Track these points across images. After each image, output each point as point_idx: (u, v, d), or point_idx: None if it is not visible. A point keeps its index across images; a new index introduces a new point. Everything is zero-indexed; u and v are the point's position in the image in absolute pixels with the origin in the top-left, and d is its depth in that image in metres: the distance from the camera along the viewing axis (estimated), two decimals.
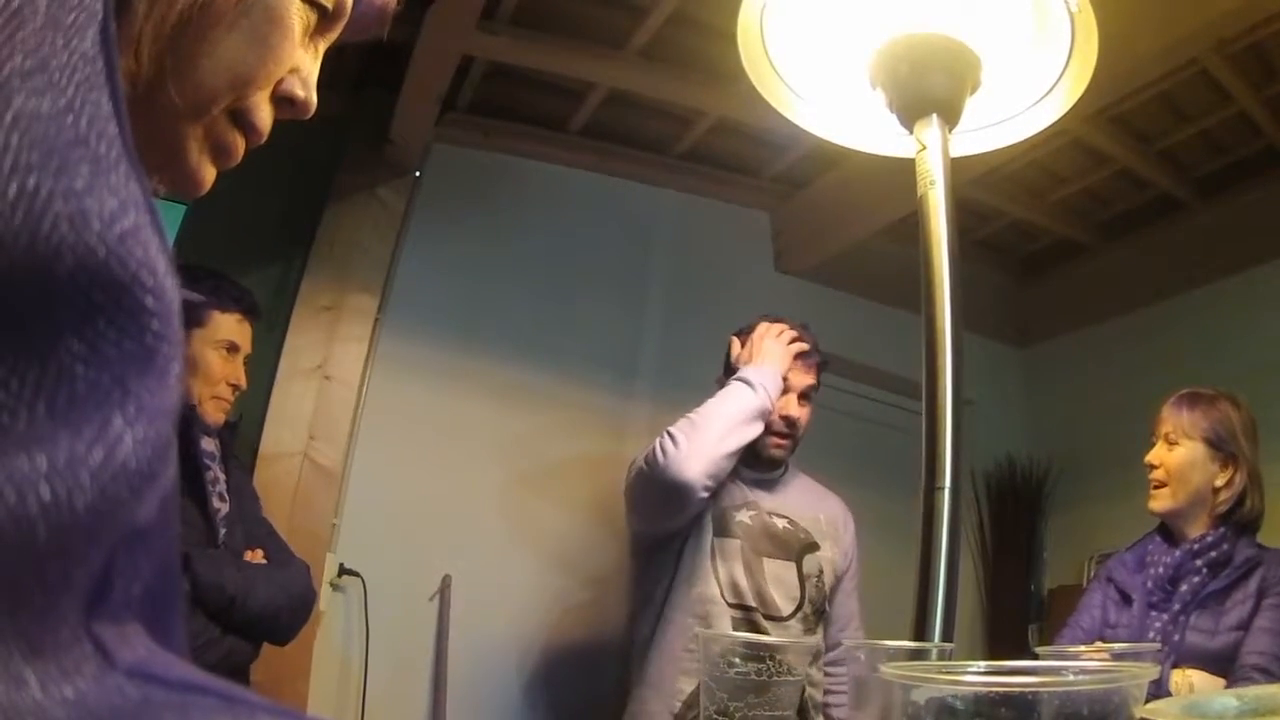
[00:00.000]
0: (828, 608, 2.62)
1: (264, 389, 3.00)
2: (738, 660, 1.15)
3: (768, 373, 2.50)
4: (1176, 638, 2.14)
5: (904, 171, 1.32)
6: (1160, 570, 2.26)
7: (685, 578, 2.50)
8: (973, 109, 1.32)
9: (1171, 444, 2.32)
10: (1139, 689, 0.62)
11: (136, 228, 0.29)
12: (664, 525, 2.52)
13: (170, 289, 0.30)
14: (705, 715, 1.15)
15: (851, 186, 3.72)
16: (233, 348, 2.26)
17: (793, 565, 2.54)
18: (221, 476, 2.21)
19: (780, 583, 2.51)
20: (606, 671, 3.25)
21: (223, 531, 2.13)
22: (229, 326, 2.25)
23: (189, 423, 2.12)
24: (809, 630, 2.51)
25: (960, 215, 1.32)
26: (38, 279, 0.26)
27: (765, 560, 2.51)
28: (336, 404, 3.21)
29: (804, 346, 2.60)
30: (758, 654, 1.16)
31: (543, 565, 3.43)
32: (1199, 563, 2.21)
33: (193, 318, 2.16)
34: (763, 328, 2.61)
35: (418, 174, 3.57)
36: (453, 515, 3.34)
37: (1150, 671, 0.62)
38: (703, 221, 4.06)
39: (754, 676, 1.14)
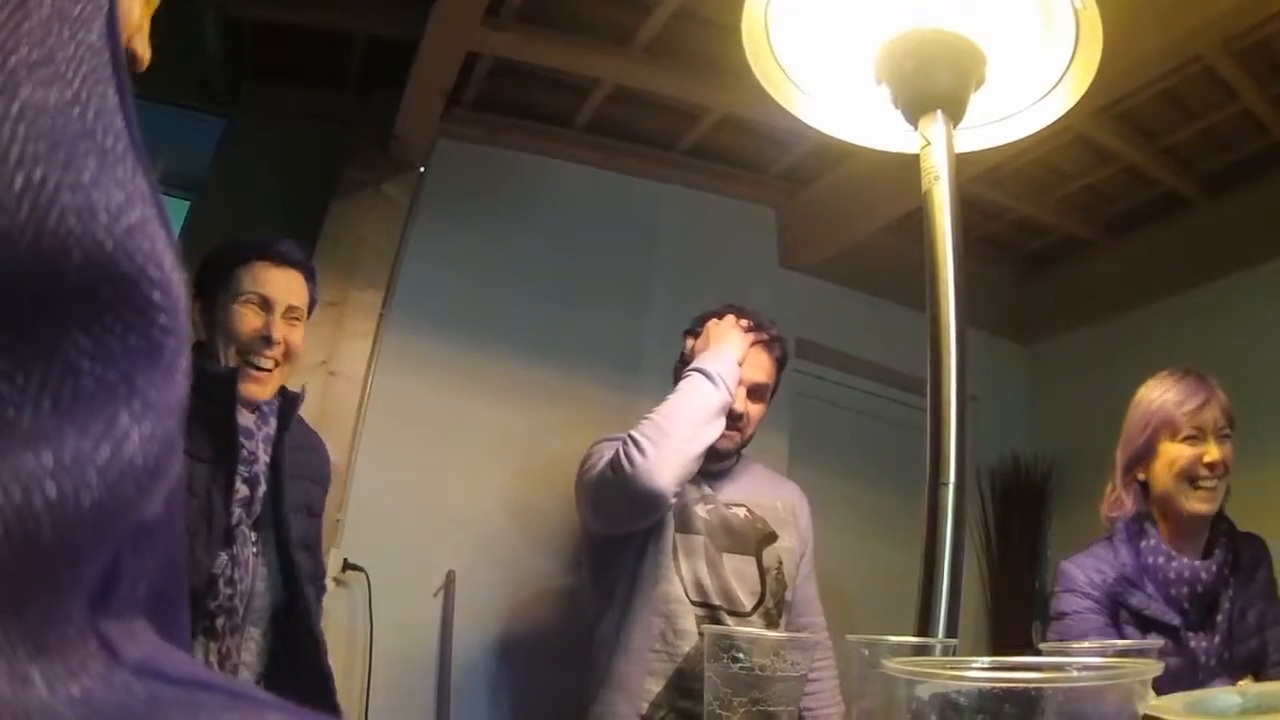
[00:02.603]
0: (788, 597, 2.53)
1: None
2: (741, 655, 1.15)
3: (725, 361, 2.40)
4: (1228, 656, 2.02)
5: (909, 167, 1.32)
6: (1195, 589, 2.06)
7: (648, 576, 2.43)
8: (977, 105, 1.32)
9: (1224, 439, 2.15)
10: (1143, 685, 0.62)
11: (143, 221, 0.29)
12: (631, 528, 2.43)
13: (177, 283, 0.30)
14: (708, 710, 1.15)
15: (856, 182, 3.72)
16: (264, 302, 2.01)
17: (752, 559, 2.48)
18: (264, 456, 2.00)
19: (742, 577, 2.45)
20: None
21: (236, 513, 1.92)
22: (253, 276, 2.01)
23: (227, 393, 1.91)
24: (771, 624, 2.44)
25: (965, 211, 1.32)
26: (44, 273, 0.26)
27: (725, 555, 2.45)
28: (341, 399, 3.22)
29: (760, 335, 2.51)
30: (762, 650, 1.16)
31: (547, 561, 3.43)
32: (1227, 571, 2.08)
33: (218, 283, 1.99)
34: (715, 319, 2.54)
35: (423, 170, 3.57)
36: (457, 511, 3.35)
37: (1154, 668, 0.62)
38: (708, 217, 4.06)
39: (758, 672, 1.14)
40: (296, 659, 2.02)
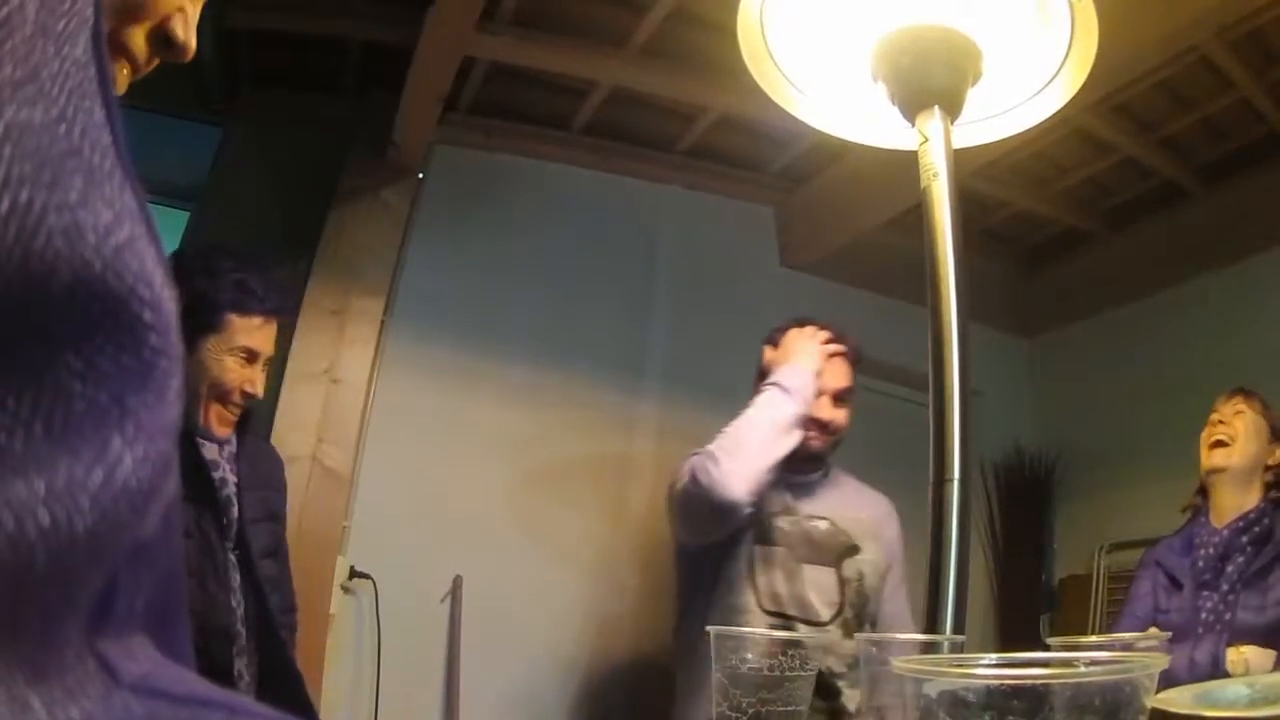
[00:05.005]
0: (871, 611, 2.59)
1: (271, 393, 3.00)
2: (750, 656, 1.15)
3: (800, 375, 2.48)
4: (1228, 616, 2.26)
5: (907, 164, 1.32)
6: (1210, 550, 2.37)
7: (723, 587, 2.51)
8: (974, 100, 1.32)
9: (1238, 412, 2.47)
10: (1150, 679, 0.62)
11: (132, 239, 0.28)
12: (712, 538, 2.51)
13: (167, 301, 0.30)
14: (718, 711, 1.15)
15: (855, 180, 3.72)
16: (251, 355, 2.07)
17: (832, 570, 2.53)
18: (231, 479, 2.08)
19: (820, 588, 2.50)
20: (618, 670, 3.26)
21: (230, 545, 2.03)
22: (248, 332, 2.05)
23: (187, 436, 1.96)
24: (849, 635, 2.48)
25: (964, 206, 1.32)
26: (33, 295, 0.26)
27: (805, 566, 2.50)
28: (344, 407, 3.22)
29: (838, 347, 2.60)
30: (770, 650, 1.16)
31: (553, 565, 3.43)
32: (1244, 539, 2.33)
33: (206, 323, 1.99)
34: (794, 330, 2.61)
35: (421, 176, 3.57)
36: (463, 516, 3.35)
37: (1161, 661, 0.62)
38: (707, 217, 4.06)
39: (766, 672, 1.14)
40: (270, 663, 2.08)
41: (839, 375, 2.62)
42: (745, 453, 2.36)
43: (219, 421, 2.07)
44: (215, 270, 2.03)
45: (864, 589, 2.55)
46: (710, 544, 2.52)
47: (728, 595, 2.49)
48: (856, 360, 2.70)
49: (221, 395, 2.05)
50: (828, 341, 2.59)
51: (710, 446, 2.40)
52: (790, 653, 1.15)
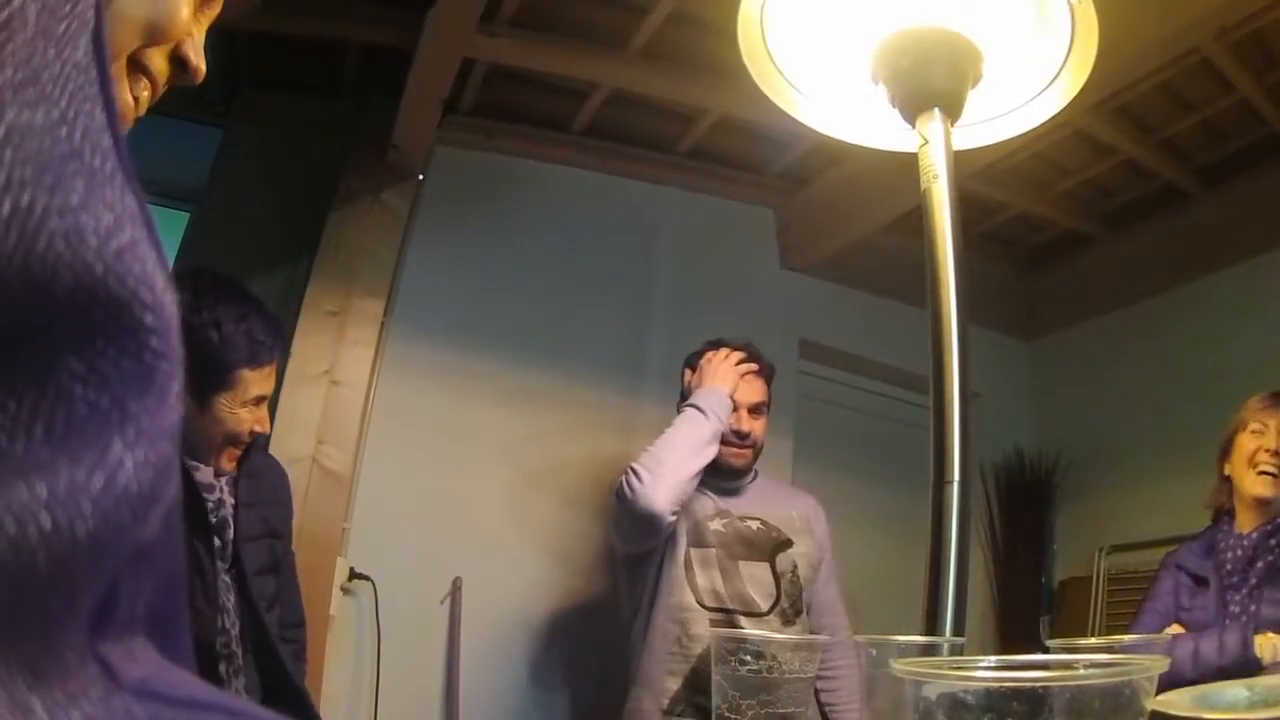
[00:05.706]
0: (805, 600, 2.77)
1: (271, 394, 3.00)
2: (749, 658, 1.15)
3: (716, 395, 2.69)
4: (1254, 608, 2.29)
5: (907, 166, 1.32)
6: (1239, 552, 2.39)
7: (665, 588, 2.70)
8: (975, 102, 1.32)
9: None
10: (1149, 681, 0.62)
11: (133, 242, 0.28)
12: (642, 546, 2.73)
13: (169, 304, 0.30)
14: (717, 713, 1.15)
15: (855, 182, 3.72)
16: (260, 400, 2.07)
17: (766, 564, 2.72)
18: (229, 500, 2.09)
19: (756, 581, 2.70)
20: (619, 672, 3.25)
21: (225, 566, 2.04)
22: (259, 382, 2.05)
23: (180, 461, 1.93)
24: (787, 623, 2.70)
25: (964, 208, 1.32)
26: (35, 298, 0.25)
27: (740, 563, 2.71)
28: (344, 408, 3.22)
29: (750, 366, 2.78)
30: (769, 652, 1.16)
31: (553, 566, 3.43)
32: (1273, 541, 2.35)
33: (219, 382, 1.97)
34: (710, 354, 2.80)
35: (421, 178, 3.57)
36: (463, 518, 3.35)
37: (1160, 664, 0.62)
38: (707, 219, 4.06)
39: (765, 674, 1.14)
40: (272, 681, 2.10)
41: (753, 391, 2.80)
42: (665, 468, 2.58)
43: (228, 460, 2.09)
44: (220, 322, 1.98)
45: (798, 579, 2.76)
46: (646, 551, 2.73)
47: (669, 595, 2.69)
48: (770, 377, 2.88)
49: (235, 441, 2.06)
50: (741, 362, 2.77)
51: (634, 464, 2.63)
52: (789, 655, 1.15)
